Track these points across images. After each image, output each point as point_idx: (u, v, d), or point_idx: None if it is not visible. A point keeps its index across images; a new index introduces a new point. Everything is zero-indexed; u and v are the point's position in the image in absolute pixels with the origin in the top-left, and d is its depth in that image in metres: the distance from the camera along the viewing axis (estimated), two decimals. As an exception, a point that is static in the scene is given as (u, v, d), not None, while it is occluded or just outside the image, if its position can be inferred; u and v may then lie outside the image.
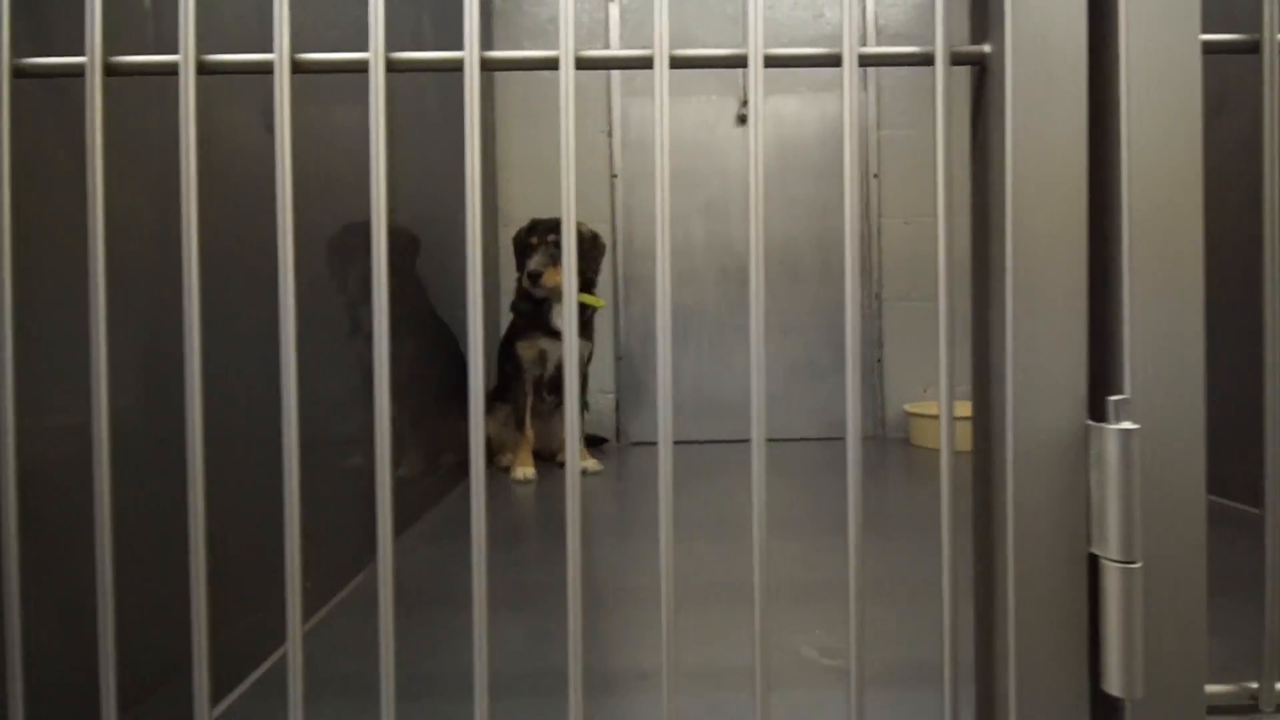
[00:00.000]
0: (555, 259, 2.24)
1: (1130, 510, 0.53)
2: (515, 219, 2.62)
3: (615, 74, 2.92)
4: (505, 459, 2.40)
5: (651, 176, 2.93)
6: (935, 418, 2.62)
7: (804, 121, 2.94)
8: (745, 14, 2.93)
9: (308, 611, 1.14)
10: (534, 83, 2.92)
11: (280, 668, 0.95)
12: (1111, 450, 0.53)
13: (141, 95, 0.79)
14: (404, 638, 1.03)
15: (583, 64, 0.61)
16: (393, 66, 0.60)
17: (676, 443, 2.88)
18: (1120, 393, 0.55)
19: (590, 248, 2.38)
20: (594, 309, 2.43)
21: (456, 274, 1.79)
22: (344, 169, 1.36)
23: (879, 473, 2.27)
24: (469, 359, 0.62)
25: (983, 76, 0.60)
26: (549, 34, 2.93)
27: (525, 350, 2.32)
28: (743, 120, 2.93)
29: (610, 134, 2.92)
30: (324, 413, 1.26)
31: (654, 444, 2.88)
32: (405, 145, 2.01)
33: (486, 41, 2.94)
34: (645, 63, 0.62)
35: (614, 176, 2.93)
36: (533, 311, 2.33)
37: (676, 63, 0.61)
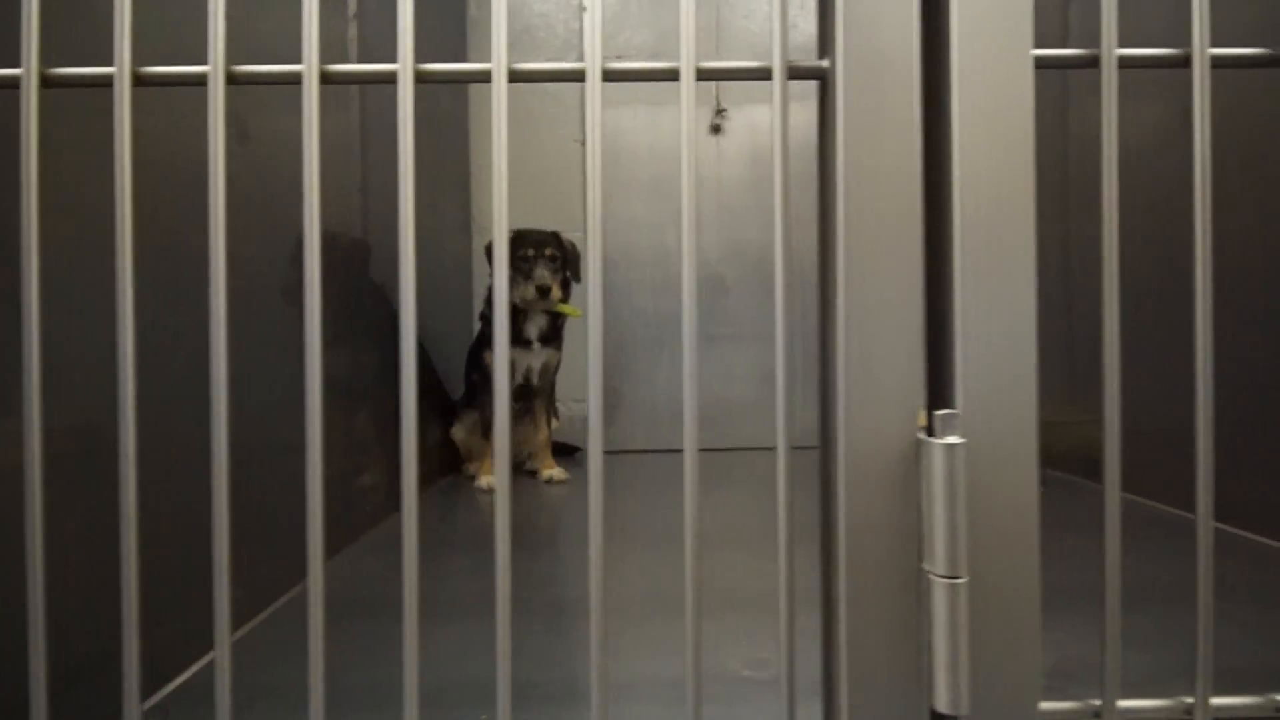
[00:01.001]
0: (553, 270, 2.28)
1: (954, 524, 0.53)
2: (487, 228, 2.63)
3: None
4: (472, 467, 2.40)
5: (626, 185, 2.95)
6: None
7: (765, 131, 2.93)
8: (677, 27, 2.95)
9: (250, 615, 1.15)
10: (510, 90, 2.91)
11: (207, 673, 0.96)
12: (936, 465, 0.53)
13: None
14: (346, 645, 1.04)
15: (422, 77, 0.61)
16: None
17: (653, 451, 2.89)
18: (954, 407, 0.55)
19: (572, 255, 2.39)
20: (565, 318, 2.43)
21: (424, 282, 1.78)
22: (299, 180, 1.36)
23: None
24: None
25: (825, 91, 0.60)
26: (522, 43, 2.94)
27: (493, 359, 2.31)
28: (716, 129, 2.94)
29: (583, 142, 2.93)
30: (276, 419, 1.26)
31: (629, 452, 2.89)
32: (376, 151, 2.02)
33: (461, 49, 2.95)
34: (484, 76, 0.62)
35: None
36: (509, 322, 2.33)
37: (515, 76, 0.62)
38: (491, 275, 2.25)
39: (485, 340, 2.37)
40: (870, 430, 0.56)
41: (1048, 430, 1.82)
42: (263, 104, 1.30)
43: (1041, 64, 0.58)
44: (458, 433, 2.45)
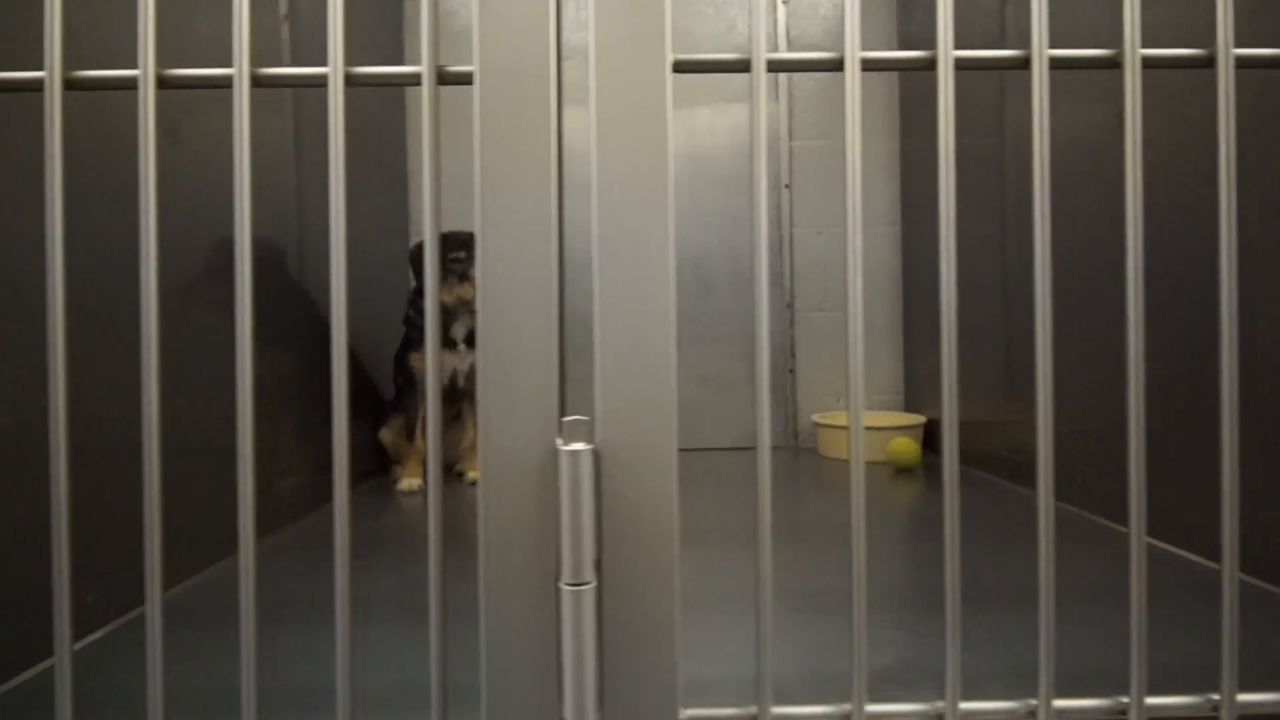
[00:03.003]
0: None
1: (579, 531, 0.53)
2: (421, 230, 2.61)
3: (528, 85, 2.91)
4: (398, 470, 2.39)
5: (583, 187, 2.93)
6: (842, 428, 2.63)
7: (715, 132, 2.95)
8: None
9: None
10: (446, 94, 2.90)
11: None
12: (564, 471, 0.54)
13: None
14: (205, 647, 1.03)
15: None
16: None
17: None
18: (592, 414, 0.56)
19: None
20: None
21: (358, 284, 1.77)
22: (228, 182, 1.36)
23: (784, 483, 2.26)
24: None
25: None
26: (461, 45, 2.93)
27: (418, 362, 2.31)
28: (655, 131, 2.93)
29: (523, 145, 2.92)
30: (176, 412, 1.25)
31: (568, 455, 2.89)
32: (311, 153, 2.01)
33: (396, 52, 2.94)
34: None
35: (527, 187, 2.92)
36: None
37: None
38: (415, 278, 2.24)
39: (410, 343, 2.36)
40: (508, 437, 0.56)
41: (976, 430, 1.83)
42: (196, 106, 1.31)
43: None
44: (386, 435, 2.44)
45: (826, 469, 2.46)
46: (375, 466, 2.46)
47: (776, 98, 2.94)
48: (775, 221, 2.95)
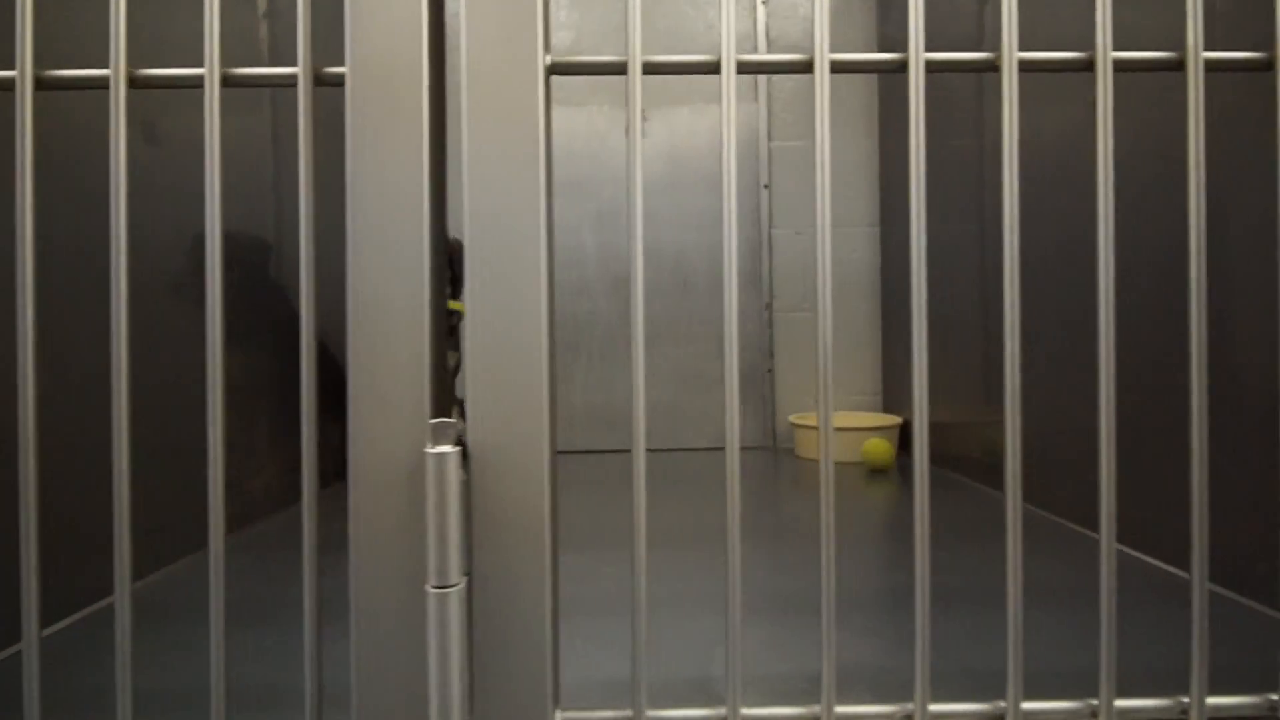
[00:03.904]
0: None
1: (444, 533, 0.53)
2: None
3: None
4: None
5: (568, 187, 2.93)
6: (818, 429, 2.62)
7: (695, 132, 2.94)
8: (599, 29, 2.93)
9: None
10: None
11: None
12: (429, 474, 0.53)
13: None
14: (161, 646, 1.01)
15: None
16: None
17: (564, 452, 2.87)
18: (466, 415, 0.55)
19: (458, 254, 2.36)
20: (461, 316, 2.41)
21: (334, 282, 1.79)
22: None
23: (760, 484, 2.26)
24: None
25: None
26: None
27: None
28: (634, 130, 2.93)
29: (501, 143, 2.90)
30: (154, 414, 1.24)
31: (558, 453, 2.88)
32: (290, 151, 1.99)
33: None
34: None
35: (505, 186, 2.90)
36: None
37: None
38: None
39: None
40: (377, 439, 0.56)
41: (952, 432, 1.83)
42: (173, 105, 1.30)
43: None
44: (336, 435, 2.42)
45: (803, 470, 2.46)
46: (343, 466, 2.43)
47: (756, 98, 2.94)
48: (754, 222, 2.94)
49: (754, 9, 2.95)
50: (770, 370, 2.93)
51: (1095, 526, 1.54)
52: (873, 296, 2.93)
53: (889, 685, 0.86)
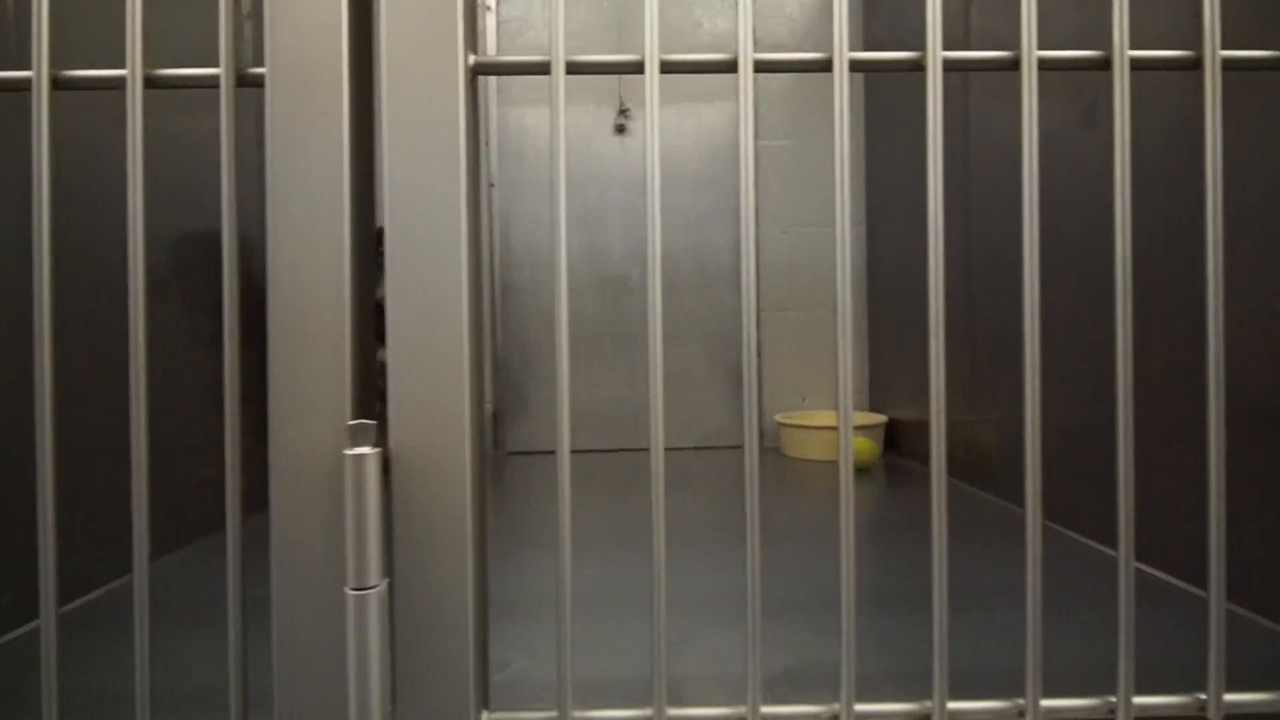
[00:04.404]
0: None
1: (362, 535, 0.53)
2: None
3: (492, 82, 2.91)
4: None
5: (532, 185, 2.93)
6: (804, 428, 2.63)
7: (682, 132, 2.94)
8: (582, 28, 2.94)
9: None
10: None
11: None
12: (347, 476, 0.53)
13: None
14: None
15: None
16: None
17: (545, 452, 2.87)
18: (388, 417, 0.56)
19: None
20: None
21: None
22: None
23: (738, 482, 2.26)
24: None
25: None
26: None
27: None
28: (620, 130, 2.93)
29: (487, 143, 2.91)
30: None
31: (534, 453, 2.88)
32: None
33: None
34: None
35: (490, 185, 2.91)
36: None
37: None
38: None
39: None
40: (297, 441, 0.56)
41: (926, 431, 1.82)
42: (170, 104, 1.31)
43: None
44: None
45: (789, 469, 2.47)
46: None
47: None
48: (741, 221, 2.94)
49: (740, 8, 2.94)
50: (758, 369, 2.92)
51: (1066, 523, 1.54)
52: (859, 295, 2.93)
53: (873, 684, 0.87)
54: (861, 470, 2.39)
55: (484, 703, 0.61)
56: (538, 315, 2.94)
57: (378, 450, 0.54)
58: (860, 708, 0.62)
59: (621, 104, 2.92)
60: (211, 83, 0.60)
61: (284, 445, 0.56)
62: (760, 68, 0.68)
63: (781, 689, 0.87)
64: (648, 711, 0.60)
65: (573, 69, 0.64)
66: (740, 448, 2.89)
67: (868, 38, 2.89)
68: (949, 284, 2.24)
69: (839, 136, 0.66)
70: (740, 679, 0.89)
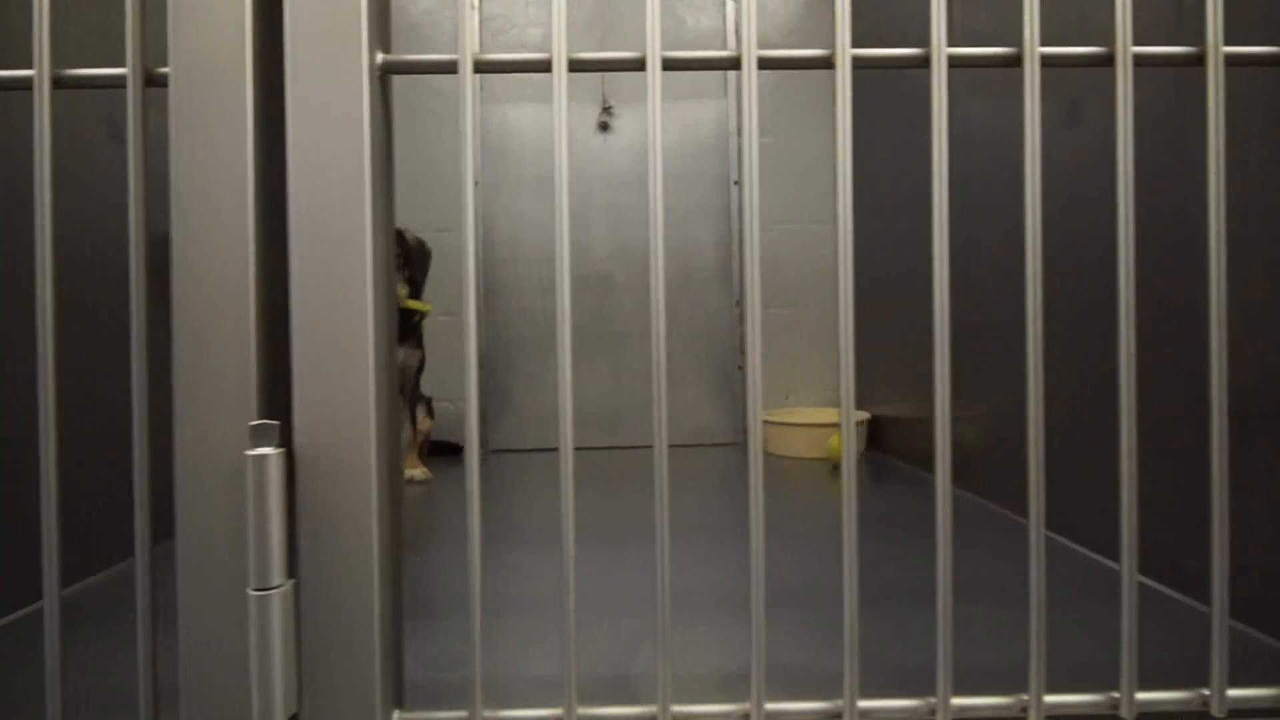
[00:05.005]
0: (396, 269, 2.26)
1: (264, 536, 0.53)
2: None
3: (475, 80, 2.90)
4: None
5: (515, 183, 2.93)
6: (788, 425, 2.62)
7: (665, 129, 2.94)
8: (567, 25, 2.93)
9: None
10: (398, 89, 2.89)
11: None
12: (249, 476, 0.53)
13: None
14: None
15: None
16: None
17: (529, 450, 2.87)
18: (292, 418, 0.55)
19: (418, 254, 2.36)
20: (422, 315, 2.40)
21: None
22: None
23: (728, 480, 2.25)
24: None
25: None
26: (409, 41, 2.92)
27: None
28: (603, 127, 2.93)
29: (471, 140, 2.90)
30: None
31: (518, 451, 2.88)
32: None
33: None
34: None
35: (475, 184, 2.90)
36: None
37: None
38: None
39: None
40: (204, 441, 0.56)
41: (920, 428, 1.82)
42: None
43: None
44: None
45: (773, 466, 2.46)
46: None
47: (725, 94, 2.93)
48: (724, 219, 2.94)
49: (722, 5, 2.94)
50: (741, 367, 2.93)
51: (1024, 511, 1.53)
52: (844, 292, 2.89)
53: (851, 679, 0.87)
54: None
55: (398, 702, 0.61)
56: (520, 313, 2.94)
57: (281, 450, 0.54)
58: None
59: (605, 101, 2.92)
60: (119, 83, 0.60)
61: (189, 445, 0.56)
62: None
63: (738, 687, 0.87)
64: (558, 711, 0.60)
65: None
66: (726, 445, 2.89)
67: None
68: (928, 281, 2.24)
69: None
70: (694, 678, 0.89)
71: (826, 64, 0.67)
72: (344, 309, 0.56)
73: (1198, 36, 0.66)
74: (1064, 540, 1.44)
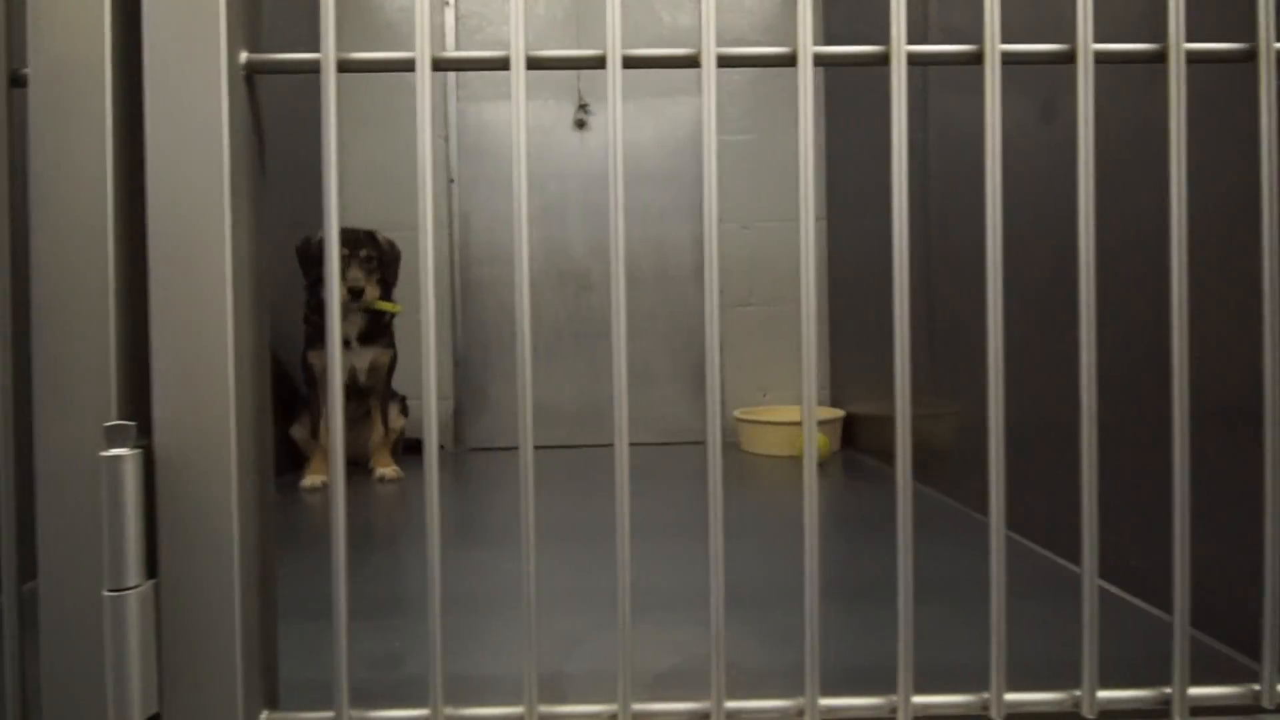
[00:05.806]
0: (369, 271, 2.25)
1: (118, 537, 0.53)
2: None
3: (451, 79, 2.90)
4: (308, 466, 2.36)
5: (491, 181, 2.92)
6: (763, 423, 2.63)
7: (642, 127, 2.93)
8: (542, 24, 2.92)
9: None
10: (365, 87, 2.88)
11: None
12: (104, 477, 0.53)
13: None
14: None
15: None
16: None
17: (505, 449, 2.86)
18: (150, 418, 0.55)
19: (389, 255, 2.34)
20: (392, 315, 2.39)
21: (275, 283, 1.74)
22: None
23: (702, 478, 2.25)
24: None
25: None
26: (384, 39, 2.90)
27: (318, 360, 2.28)
28: (580, 125, 2.92)
29: (447, 139, 2.89)
30: None
31: (492, 449, 2.87)
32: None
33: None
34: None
35: (450, 181, 2.89)
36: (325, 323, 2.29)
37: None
38: (304, 275, 2.19)
39: (308, 341, 2.32)
40: (62, 441, 0.56)
41: (883, 426, 1.80)
42: None
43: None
44: (297, 431, 2.40)
45: (748, 464, 2.46)
46: (288, 463, 2.42)
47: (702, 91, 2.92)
48: (700, 217, 2.94)
49: (699, 2, 2.94)
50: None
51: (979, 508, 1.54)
52: (820, 291, 2.92)
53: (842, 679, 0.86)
54: (817, 464, 2.39)
55: (270, 702, 0.61)
56: (497, 311, 2.92)
57: (138, 451, 0.54)
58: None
59: (581, 99, 2.91)
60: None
61: (47, 446, 0.56)
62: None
63: (671, 687, 0.87)
64: (425, 711, 0.60)
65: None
66: (702, 443, 2.89)
67: (828, 32, 2.89)
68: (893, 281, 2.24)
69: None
70: (657, 676, 0.89)
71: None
72: (203, 310, 0.56)
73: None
74: (1028, 543, 1.44)
